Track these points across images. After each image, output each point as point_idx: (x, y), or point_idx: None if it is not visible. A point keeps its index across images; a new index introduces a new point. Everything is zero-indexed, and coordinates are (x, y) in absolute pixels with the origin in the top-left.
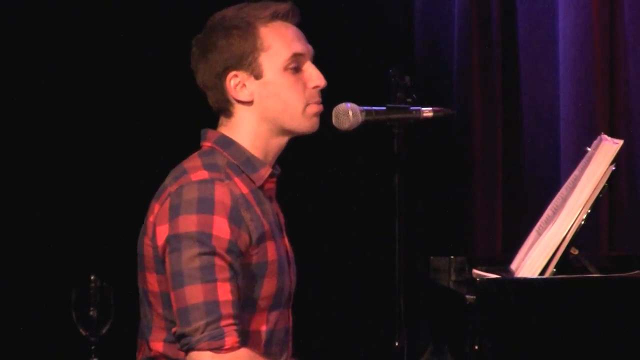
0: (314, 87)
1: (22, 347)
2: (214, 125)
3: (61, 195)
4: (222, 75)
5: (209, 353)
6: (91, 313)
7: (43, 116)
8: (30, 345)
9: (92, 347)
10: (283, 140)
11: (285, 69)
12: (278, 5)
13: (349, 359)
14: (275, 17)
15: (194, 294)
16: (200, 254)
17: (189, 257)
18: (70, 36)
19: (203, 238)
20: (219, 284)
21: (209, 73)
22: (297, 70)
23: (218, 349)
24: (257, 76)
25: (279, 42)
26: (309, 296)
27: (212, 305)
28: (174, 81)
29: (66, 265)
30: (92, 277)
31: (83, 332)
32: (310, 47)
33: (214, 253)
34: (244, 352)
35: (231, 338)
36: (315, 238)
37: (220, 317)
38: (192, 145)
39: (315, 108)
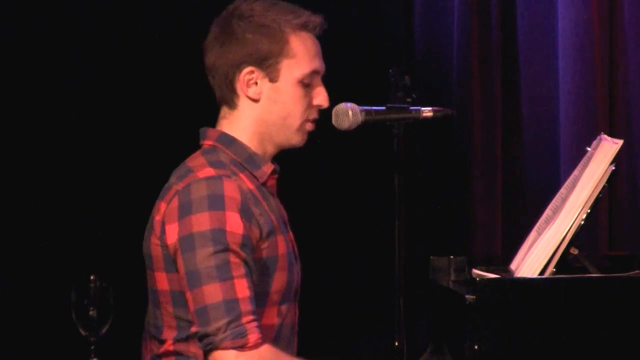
0: (317, 106)
1: (22, 347)
2: (214, 123)
3: (61, 195)
4: (238, 66)
5: (233, 352)
6: (91, 313)
7: (43, 116)
8: (30, 345)
9: (92, 347)
10: (272, 148)
11: (300, 82)
12: (310, 16)
13: (349, 359)
14: (305, 27)
15: (212, 293)
16: (215, 253)
17: (204, 256)
18: (69, 36)
19: (217, 235)
20: (235, 281)
21: (224, 59)
22: (308, 85)
23: (242, 347)
24: (272, 79)
25: (303, 54)
26: (308, 296)
27: (231, 304)
28: (173, 80)
29: (66, 265)
30: (92, 277)
31: (83, 332)
32: (324, 65)
33: (228, 250)
34: (267, 348)
35: (254, 335)
36: (315, 238)
37: (240, 315)
38: (193, 145)
39: (310, 127)
